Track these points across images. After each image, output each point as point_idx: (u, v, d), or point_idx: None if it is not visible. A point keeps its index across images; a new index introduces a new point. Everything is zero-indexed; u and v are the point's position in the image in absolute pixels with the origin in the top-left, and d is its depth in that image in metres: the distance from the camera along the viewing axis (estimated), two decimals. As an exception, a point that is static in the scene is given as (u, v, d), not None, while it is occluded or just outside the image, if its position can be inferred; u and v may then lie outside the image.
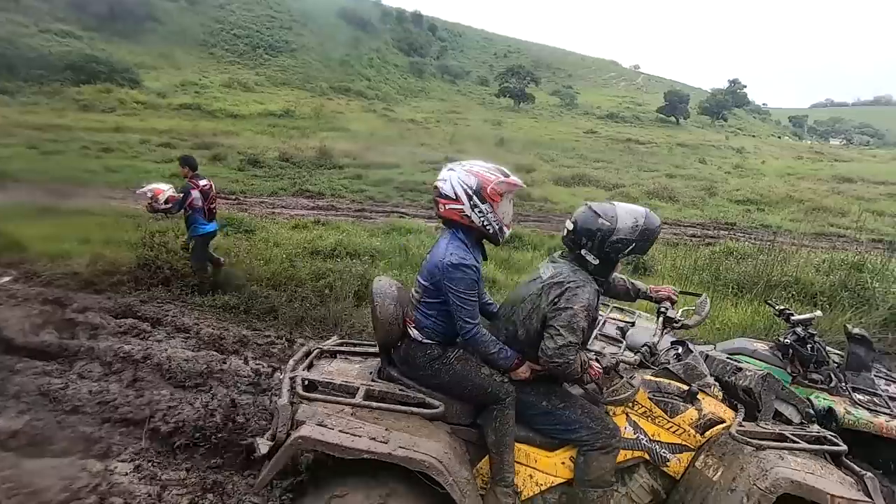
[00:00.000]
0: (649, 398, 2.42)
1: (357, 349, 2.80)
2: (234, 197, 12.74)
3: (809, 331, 3.23)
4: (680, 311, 2.77)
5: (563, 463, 2.32)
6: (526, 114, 50.54)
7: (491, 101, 56.14)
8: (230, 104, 31.27)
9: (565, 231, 2.37)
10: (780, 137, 63.54)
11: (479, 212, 2.23)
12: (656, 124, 53.56)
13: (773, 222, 12.72)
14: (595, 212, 2.28)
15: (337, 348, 2.78)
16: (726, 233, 11.74)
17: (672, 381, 2.48)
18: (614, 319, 3.44)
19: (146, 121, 22.88)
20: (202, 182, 6.35)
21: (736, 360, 2.83)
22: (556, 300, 2.20)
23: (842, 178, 22.69)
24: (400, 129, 30.71)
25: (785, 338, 3.28)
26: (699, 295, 2.81)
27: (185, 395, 3.99)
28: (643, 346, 2.41)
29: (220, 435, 3.39)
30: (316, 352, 2.67)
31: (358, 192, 14.51)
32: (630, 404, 2.42)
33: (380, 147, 21.49)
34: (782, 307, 3.53)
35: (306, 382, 2.29)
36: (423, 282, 2.31)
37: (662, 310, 2.64)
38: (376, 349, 2.58)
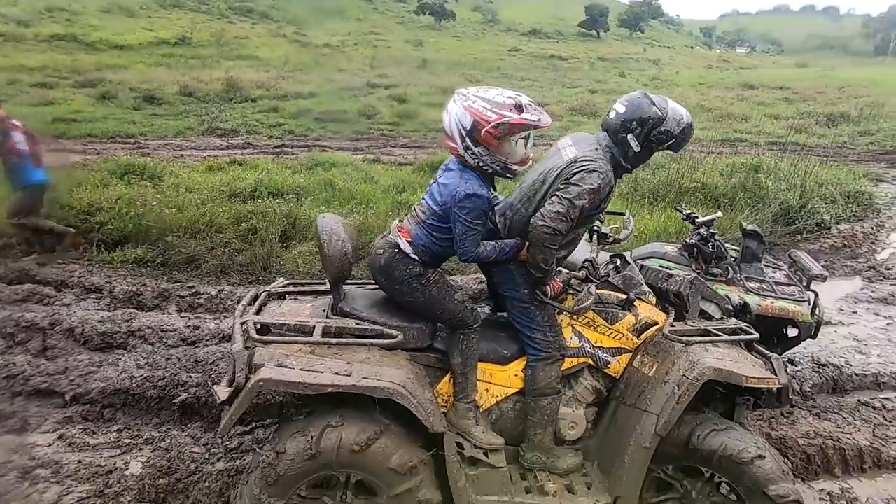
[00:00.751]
0: (592, 309, 2.57)
1: (306, 289, 2.73)
2: (132, 140, 11.38)
3: (711, 230, 3.57)
4: (609, 227, 2.94)
5: (515, 375, 2.45)
6: (448, 32, 48.64)
7: (411, 19, 53.26)
8: (113, 33, 26.91)
9: (613, 113, 2.33)
10: (692, 48, 66.65)
11: (473, 154, 2.12)
12: (578, 39, 53.95)
13: (685, 131, 13.54)
14: (650, 99, 2.26)
15: (285, 290, 2.69)
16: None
17: (612, 292, 2.64)
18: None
19: (10, 56, 19.26)
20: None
21: (666, 268, 3.06)
22: (569, 176, 2.20)
23: (746, 85, 24.22)
24: (314, 54, 28.34)
25: (690, 239, 3.60)
26: (623, 213, 3.03)
27: (107, 358, 3.72)
28: (585, 262, 2.52)
29: (150, 393, 3.20)
30: (263, 295, 2.56)
31: (275, 127, 13.46)
32: (574, 316, 2.56)
33: (294, 76, 19.86)
34: (689, 211, 3.84)
35: (258, 326, 2.18)
36: (432, 205, 2.23)
37: (595, 228, 2.79)
38: (326, 287, 2.49)
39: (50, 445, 2.77)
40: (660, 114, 2.23)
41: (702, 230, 3.68)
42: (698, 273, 3.70)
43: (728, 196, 7.36)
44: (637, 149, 2.27)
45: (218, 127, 13.38)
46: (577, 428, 2.51)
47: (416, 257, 2.24)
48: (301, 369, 1.95)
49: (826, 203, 7.52)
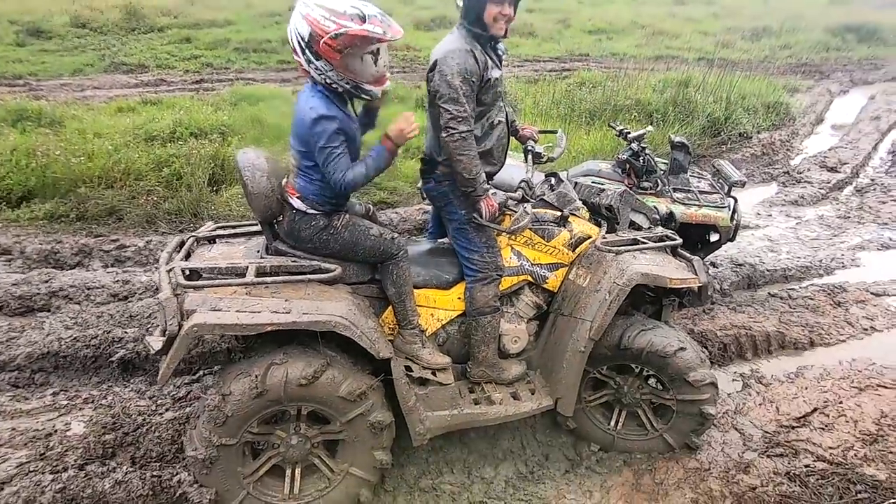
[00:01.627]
0: (529, 228, 2.63)
1: (237, 230, 2.61)
2: (20, 82, 9.99)
3: (642, 145, 3.68)
4: (543, 146, 2.96)
5: (458, 298, 2.51)
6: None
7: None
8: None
9: None
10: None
11: (316, 69, 1.97)
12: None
13: (620, 49, 13.54)
14: None
15: (214, 234, 2.56)
16: (581, 64, 12.30)
17: (547, 211, 2.70)
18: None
19: None
20: None
21: (598, 184, 3.15)
22: (430, 80, 2.19)
23: (678, 2, 24.26)
24: (226, -24, 25.39)
25: (622, 154, 3.71)
26: (555, 131, 3.06)
27: (28, 322, 3.47)
28: (521, 183, 2.53)
29: (84, 353, 3.06)
30: (190, 241, 2.43)
31: (190, 60, 12.14)
32: (512, 236, 2.62)
33: (204, 1, 17.80)
34: (621, 127, 3.93)
35: (187, 272, 2.07)
36: (296, 146, 2.12)
37: (529, 148, 2.80)
38: (258, 227, 2.39)
39: (-24, 417, 2.62)
40: None
41: (633, 145, 3.78)
42: (630, 187, 3.86)
43: (660, 111, 7.54)
44: (460, 2, 2.20)
45: (122, 62, 11.93)
46: (519, 342, 2.64)
47: (313, 211, 2.15)
48: (237, 311, 1.90)
49: (748, 114, 7.89)
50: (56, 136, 6.39)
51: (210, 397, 1.95)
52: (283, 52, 13.12)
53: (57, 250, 4.42)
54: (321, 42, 1.89)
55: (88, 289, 3.87)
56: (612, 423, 2.66)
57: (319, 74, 1.97)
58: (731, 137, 7.39)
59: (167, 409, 2.66)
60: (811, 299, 4.02)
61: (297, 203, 2.15)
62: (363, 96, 2.09)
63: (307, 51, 1.93)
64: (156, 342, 1.91)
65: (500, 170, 2.58)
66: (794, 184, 6.32)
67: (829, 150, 7.38)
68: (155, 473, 2.25)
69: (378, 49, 2.01)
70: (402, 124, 2.05)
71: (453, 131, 2.16)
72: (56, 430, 2.50)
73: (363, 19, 1.90)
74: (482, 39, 2.26)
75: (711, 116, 7.43)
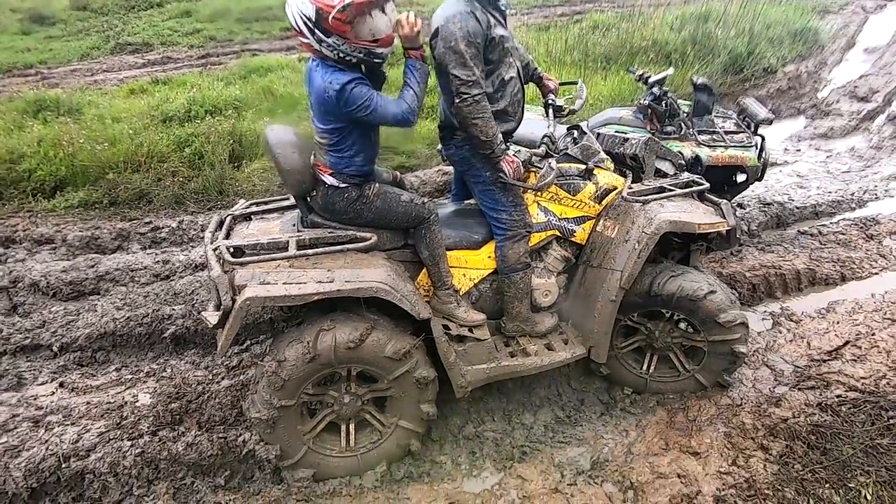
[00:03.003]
0: (555, 183, 2.65)
1: (270, 206, 2.69)
2: (33, 72, 10.07)
3: (663, 89, 3.60)
4: (563, 99, 2.93)
5: (488, 257, 2.58)
6: None
7: None
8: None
9: None
10: None
11: (329, 46, 1.97)
12: None
13: (634, -15, 12.94)
14: None
15: (248, 211, 2.65)
16: (592, 6, 11.78)
17: (571, 164, 2.71)
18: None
19: None
20: None
21: (622, 132, 3.12)
22: (434, 48, 2.20)
23: None
24: (216, -58, 24.60)
25: (644, 100, 3.64)
26: (575, 82, 3.02)
27: (81, 305, 3.68)
28: (544, 138, 2.54)
29: (138, 331, 3.25)
30: (228, 219, 2.52)
31: (193, 35, 11.99)
32: (538, 193, 2.65)
33: (200, -30, 17.35)
34: (641, 72, 3.83)
35: (232, 249, 2.18)
36: (320, 125, 2.16)
37: (550, 102, 2.79)
38: (290, 202, 2.47)
39: (53, 394, 2.84)
40: None
41: (654, 89, 3.70)
42: (653, 133, 3.80)
43: (679, 51, 7.25)
44: None
45: (127, 42, 11.85)
46: (550, 295, 2.71)
47: (345, 185, 2.20)
48: (284, 283, 2.01)
49: (773, 46, 7.52)
50: (77, 124, 6.50)
51: (267, 364, 2.10)
52: (286, 19, 12.83)
53: (97, 236, 4.60)
54: (329, 18, 1.89)
55: (132, 270, 4.06)
56: (645, 367, 2.75)
57: (333, 51, 1.98)
58: (755, 73, 7.10)
59: (223, 378, 2.84)
60: (842, 234, 3.98)
61: (329, 179, 2.21)
62: (375, 61, 2.09)
63: (317, 30, 1.93)
64: (212, 317, 2.03)
65: (517, 126, 2.58)
66: (822, 116, 6.11)
67: (860, 77, 7.04)
68: (221, 435, 2.44)
69: (383, 7, 2.01)
70: (404, 29, 2.03)
71: (466, 96, 2.16)
72: (126, 402, 2.71)
73: None
74: (481, 4, 2.23)
75: (733, 52, 7.11)
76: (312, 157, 2.27)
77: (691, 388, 2.75)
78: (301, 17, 1.95)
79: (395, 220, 2.28)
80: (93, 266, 4.10)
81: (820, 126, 5.85)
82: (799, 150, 5.46)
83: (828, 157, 5.30)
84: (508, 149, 2.40)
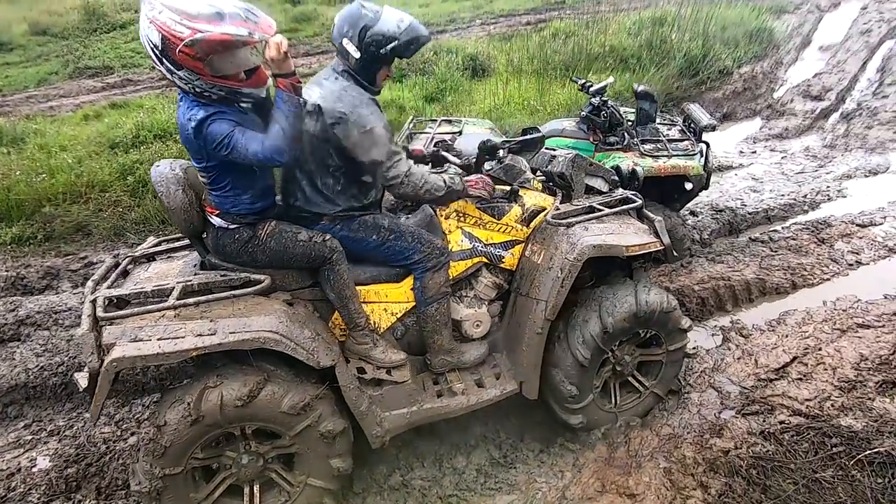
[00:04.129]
0: (477, 207, 2.50)
1: (178, 244, 2.49)
2: (-13, 100, 9.73)
3: (603, 98, 3.49)
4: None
5: (411, 289, 2.40)
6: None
7: None
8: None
9: (333, 25, 2.15)
10: None
11: (181, 79, 1.75)
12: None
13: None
14: (362, 5, 2.09)
15: (155, 250, 2.45)
16: (556, 13, 11.78)
17: (496, 186, 2.56)
18: (442, 133, 3.46)
19: None
20: None
21: (551, 148, 2.98)
22: (346, 136, 2.05)
23: None
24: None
25: (584, 110, 3.53)
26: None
27: (-1, 353, 3.43)
28: (480, 144, 2.48)
29: (52, 381, 3.02)
30: (126, 261, 2.32)
31: (155, 56, 11.75)
32: (461, 217, 2.49)
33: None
34: (583, 81, 3.73)
35: (108, 301, 1.98)
36: (196, 164, 1.97)
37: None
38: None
39: (-56, 460, 2.60)
40: (371, 16, 2.07)
41: (594, 100, 3.59)
42: (596, 144, 3.69)
43: (636, 56, 7.22)
44: (357, 55, 2.07)
45: (87, 66, 11.53)
46: (482, 325, 2.55)
47: (235, 226, 2.02)
48: (159, 339, 1.81)
49: (728, 48, 7.53)
50: (18, 155, 6.24)
51: (146, 429, 1.89)
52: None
53: (23, 275, 4.35)
54: (176, 50, 1.67)
55: (55, 313, 3.81)
56: (613, 401, 2.61)
57: (186, 84, 1.77)
58: (711, 76, 7.08)
59: (132, 434, 2.63)
60: (794, 239, 3.89)
61: (216, 220, 2.03)
62: (244, 101, 1.89)
63: (165, 59, 1.72)
64: (83, 380, 1.84)
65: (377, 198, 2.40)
66: (777, 117, 6.08)
67: (815, 76, 7.06)
68: None
69: (250, 48, 1.80)
70: (272, 52, 1.75)
71: (398, 176, 2.13)
72: (21, 468, 2.48)
73: (221, 18, 1.66)
74: (370, 93, 2.17)
75: (689, 55, 7.10)
76: (204, 195, 2.09)
77: (651, 405, 2.66)
78: (149, 43, 1.73)
79: (292, 261, 2.09)
80: (13, 309, 3.84)
81: (775, 126, 5.82)
82: (754, 153, 5.41)
83: (783, 157, 5.25)
84: (455, 175, 2.34)
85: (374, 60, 2.09)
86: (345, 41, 2.06)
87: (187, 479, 1.98)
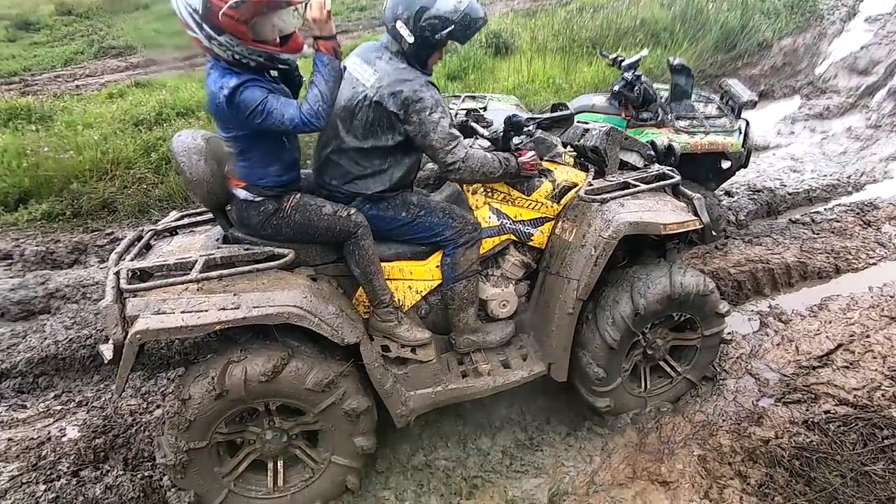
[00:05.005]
0: (506, 182, 2.39)
1: (200, 218, 2.46)
2: (16, 79, 9.90)
3: (636, 73, 3.33)
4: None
5: (436, 266, 2.33)
6: None
7: None
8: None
9: (385, 4, 2.05)
10: None
11: (220, 45, 1.71)
12: None
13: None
14: None
15: (176, 224, 2.42)
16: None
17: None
18: (465, 109, 3.36)
19: None
20: None
21: (583, 121, 2.85)
22: (401, 115, 2.00)
23: None
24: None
25: (616, 85, 3.37)
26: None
27: (29, 326, 3.49)
28: (505, 119, 2.36)
29: (80, 353, 3.05)
30: (148, 235, 2.30)
31: (178, 35, 11.70)
32: (489, 193, 2.40)
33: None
34: (614, 55, 3.56)
35: (131, 273, 1.95)
36: (223, 134, 1.92)
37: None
38: None
39: (-22, 428, 2.65)
40: None
41: (626, 74, 3.43)
42: (628, 120, 3.53)
43: (668, 29, 6.91)
44: (410, 39, 2.00)
45: (111, 46, 11.70)
46: (508, 305, 2.47)
47: (260, 198, 1.97)
48: (182, 312, 1.77)
49: (768, 18, 7.14)
50: (46, 132, 6.33)
51: (171, 403, 1.87)
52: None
53: (53, 250, 4.41)
54: (220, 14, 1.63)
55: (83, 287, 3.86)
56: (643, 385, 2.52)
57: (225, 51, 1.72)
58: (749, 49, 6.73)
59: (158, 406, 2.64)
60: (837, 221, 3.68)
61: (241, 193, 1.98)
62: (280, 66, 1.86)
63: (205, 25, 1.67)
64: (107, 352, 1.82)
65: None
66: (818, 95, 5.76)
67: (861, 49, 6.64)
68: (146, 475, 2.23)
69: (292, 10, 1.75)
70: (314, 13, 1.71)
71: (455, 160, 2.07)
72: (50, 437, 2.51)
73: None
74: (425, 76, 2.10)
75: (725, 27, 6.75)
76: (227, 167, 2.03)
77: (683, 391, 2.56)
78: (187, 9, 1.69)
79: (317, 235, 2.04)
80: (43, 283, 3.90)
81: (816, 105, 5.51)
82: (793, 133, 5.14)
83: (823, 138, 4.98)
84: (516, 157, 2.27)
85: (427, 45, 2.02)
86: (398, 24, 1.98)
87: (212, 454, 1.96)
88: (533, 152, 2.31)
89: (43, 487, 2.20)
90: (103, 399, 2.77)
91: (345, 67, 1.99)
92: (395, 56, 2.05)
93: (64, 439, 2.49)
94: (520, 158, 2.25)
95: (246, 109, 1.74)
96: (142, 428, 2.48)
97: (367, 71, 2.05)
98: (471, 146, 2.21)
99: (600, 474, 2.15)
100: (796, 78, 6.27)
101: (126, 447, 2.41)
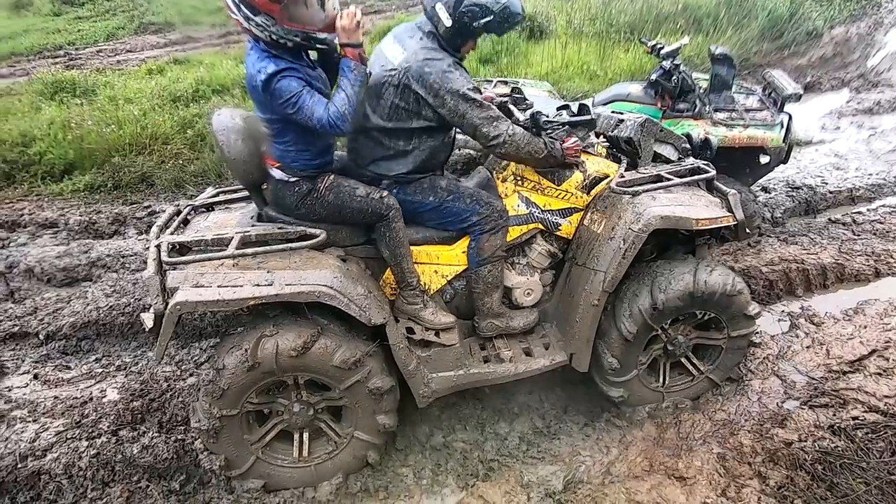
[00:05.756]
0: (536, 171, 2.39)
1: (237, 195, 2.53)
2: (61, 53, 10.24)
3: (675, 62, 3.24)
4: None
5: (463, 252, 2.35)
6: None
7: None
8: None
9: None
10: None
11: (258, 26, 1.77)
12: None
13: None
14: None
15: (213, 200, 2.50)
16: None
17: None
18: (499, 95, 3.33)
19: None
20: None
21: (618, 111, 2.80)
22: (430, 97, 2.00)
23: None
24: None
25: (653, 75, 3.29)
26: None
27: (73, 292, 3.67)
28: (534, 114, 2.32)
29: (120, 320, 3.20)
30: (187, 210, 2.39)
31: (215, 13, 11.86)
32: (519, 181, 2.40)
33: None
34: (654, 42, 3.47)
35: (171, 247, 2.04)
36: (260, 114, 1.98)
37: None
38: None
39: (26, 386, 2.83)
40: None
41: (665, 63, 3.34)
42: (664, 110, 3.45)
43: (711, 15, 6.65)
44: (448, 23, 1.99)
45: (150, 22, 11.96)
46: (533, 294, 2.48)
47: (295, 178, 2.02)
48: (219, 286, 1.85)
49: (820, 5, 6.79)
50: (90, 106, 6.55)
51: (205, 372, 1.96)
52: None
53: (95, 221, 4.60)
54: None
55: (123, 257, 4.03)
56: (661, 380, 2.50)
57: (262, 31, 1.78)
58: (797, 38, 6.43)
59: (190, 375, 2.76)
60: (880, 223, 3.55)
61: (277, 173, 2.04)
62: (318, 46, 1.90)
63: (243, 6, 1.74)
64: (148, 320, 1.91)
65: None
66: (869, 89, 5.48)
67: (920, 41, 6.29)
68: (179, 438, 2.36)
69: None
70: (344, 21, 1.80)
71: (499, 136, 2.05)
72: (92, 397, 2.67)
73: None
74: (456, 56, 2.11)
75: (773, 14, 6.46)
76: (265, 146, 2.09)
77: (704, 390, 2.54)
78: None
79: (349, 216, 2.08)
80: (86, 251, 4.09)
81: (865, 99, 5.25)
82: (838, 128, 4.93)
83: (871, 135, 4.76)
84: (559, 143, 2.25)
85: (464, 31, 2.03)
86: (438, 6, 1.99)
87: (242, 422, 2.06)
88: (576, 138, 2.29)
89: (85, 444, 2.34)
90: (140, 364, 2.91)
91: (369, 73, 1.99)
92: (426, 36, 2.05)
93: (105, 400, 2.63)
94: (564, 144, 2.23)
95: (279, 98, 1.81)
96: (176, 394, 2.60)
97: (397, 49, 2.06)
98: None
99: (616, 466, 2.17)
100: (846, 70, 5.98)
101: (161, 411, 2.54)
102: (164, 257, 1.93)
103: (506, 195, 2.40)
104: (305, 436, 2.18)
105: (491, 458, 2.29)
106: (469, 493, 2.12)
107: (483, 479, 2.17)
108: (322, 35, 1.86)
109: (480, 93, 2.11)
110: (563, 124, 2.40)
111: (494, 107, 2.11)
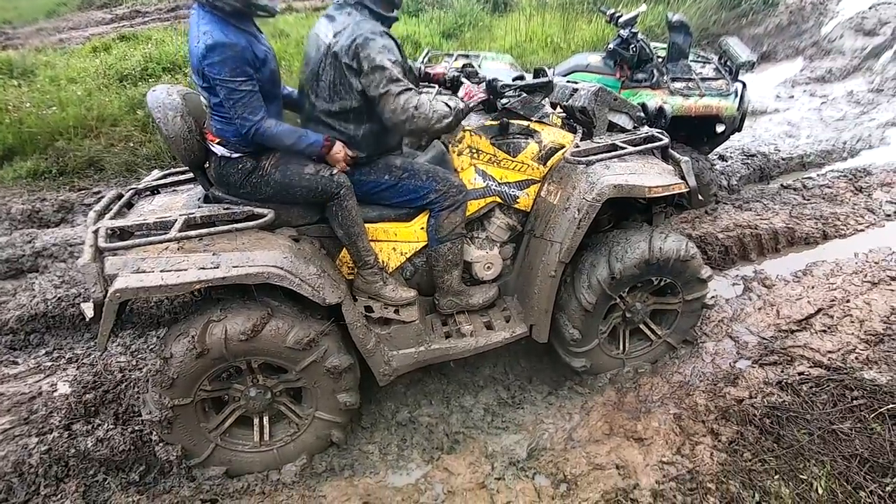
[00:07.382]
0: (492, 143, 2.36)
1: (185, 177, 2.42)
2: (-3, 31, 9.58)
3: (633, 31, 3.23)
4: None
5: (421, 228, 2.32)
6: None
7: None
8: None
9: None
10: None
11: None
12: None
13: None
14: None
15: (159, 182, 2.39)
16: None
17: (513, 121, 2.40)
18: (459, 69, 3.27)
19: None
20: None
21: (574, 81, 2.78)
22: (354, 65, 1.93)
23: None
24: None
25: (611, 44, 3.28)
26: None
27: (18, 284, 3.49)
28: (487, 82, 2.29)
29: (70, 312, 3.06)
30: (129, 194, 2.27)
31: (164, -13, 11.36)
32: (475, 154, 2.36)
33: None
34: (612, 11, 3.44)
35: (110, 232, 1.94)
36: (198, 83, 1.88)
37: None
38: None
39: (-32, 386, 2.69)
40: None
41: (623, 32, 3.32)
42: (623, 80, 3.45)
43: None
44: None
45: (95, -3, 11.29)
46: (493, 268, 2.47)
47: (238, 155, 1.94)
48: (162, 271, 1.77)
49: (776, -26, 6.87)
50: (28, 87, 6.16)
51: (152, 362, 1.89)
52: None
53: (38, 209, 4.37)
54: None
55: (70, 245, 3.84)
56: (621, 347, 2.55)
57: None
58: (754, 6, 6.51)
59: (146, 364, 2.67)
60: (829, 187, 3.67)
61: (218, 149, 1.95)
62: (259, 13, 1.81)
63: None
64: (88, 310, 1.83)
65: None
66: (822, 56, 5.61)
67: (871, 7, 6.43)
68: (136, 429, 2.29)
69: None
70: (338, 156, 2.02)
71: (412, 111, 1.94)
72: (42, 392, 2.56)
73: None
74: (386, 22, 2.06)
75: (730, -17, 6.51)
76: (205, 121, 1.99)
77: (662, 353, 2.60)
78: None
79: (297, 195, 2.01)
80: (30, 241, 3.88)
81: (818, 67, 5.38)
82: (792, 97, 5.04)
83: (822, 103, 4.89)
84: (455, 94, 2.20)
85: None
86: None
87: (197, 410, 2.00)
88: (467, 83, 2.27)
89: (35, 440, 2.25)
90: (93, 356, 2.80)
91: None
92: (354, 9, 1.99)
93: (55, 394, 2.53)
94: (459, 94, 2.19)
95: (216, 72, 1.75)
96: (131, 384, 2.52)
97: (328, 27, 1.99)
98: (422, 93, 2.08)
99: (578, 431, 2.22)
100: (801, 38, 6.10)
101: (116, 402, 2.46)
102: (102, 243, 1.83)
103: (462, 169, 2.37)
104: (265, 420, 2.14)
105: (456, 430, 2.31)
106: (434, 466, 2.14)
107: (448, 452, 2.19)
108: (263, 1, 1.78)
109: (407, 70, 2.05)
110: (520, 87, 2.38)
111: (409, 83, 1.99)
